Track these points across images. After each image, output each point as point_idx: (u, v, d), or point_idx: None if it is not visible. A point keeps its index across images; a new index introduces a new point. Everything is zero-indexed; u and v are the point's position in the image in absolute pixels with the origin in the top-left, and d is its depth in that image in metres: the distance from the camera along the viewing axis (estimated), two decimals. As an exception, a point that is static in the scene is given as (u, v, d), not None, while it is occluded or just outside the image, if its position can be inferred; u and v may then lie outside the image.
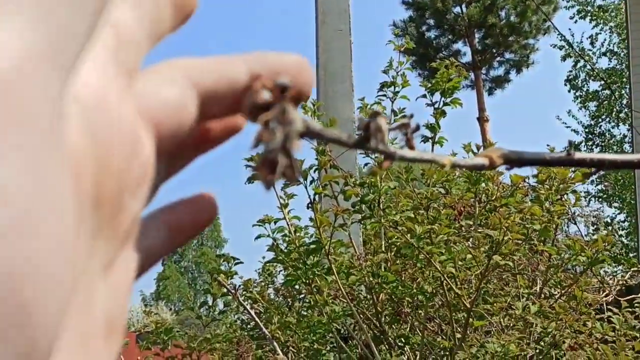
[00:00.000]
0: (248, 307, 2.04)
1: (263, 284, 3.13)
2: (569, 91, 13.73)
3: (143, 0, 0.25)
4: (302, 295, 2.64)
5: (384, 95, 2.58)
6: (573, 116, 13.69)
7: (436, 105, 2.54)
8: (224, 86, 0.26)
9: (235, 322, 3.88)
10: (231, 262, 2.47)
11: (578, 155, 0.48)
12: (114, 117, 0.21)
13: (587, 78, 13.54)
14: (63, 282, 0.16)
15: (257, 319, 2.01)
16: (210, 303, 2.70)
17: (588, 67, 13.27)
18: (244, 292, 2.57)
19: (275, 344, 1.53)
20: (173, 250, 0.30)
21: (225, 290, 2.34)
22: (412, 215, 1.95)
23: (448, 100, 2.51)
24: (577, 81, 13.74)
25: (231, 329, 3.12)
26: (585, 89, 13.62)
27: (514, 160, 0.47)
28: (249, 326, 3.25)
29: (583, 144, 13.59)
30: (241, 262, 2.40)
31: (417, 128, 0.39)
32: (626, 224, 12.54)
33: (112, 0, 0.22)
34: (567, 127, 13.63)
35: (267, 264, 3.48)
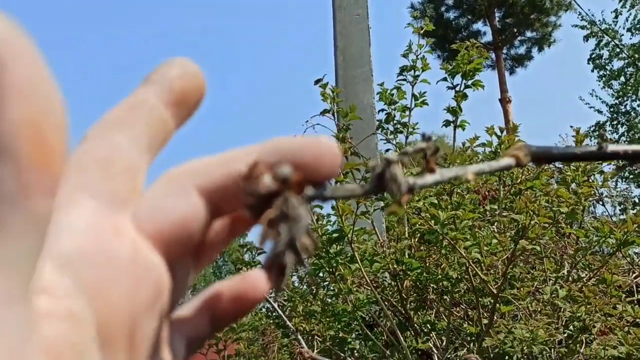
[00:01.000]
0: (276, 306, 2.04)
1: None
2: (592, 70, 13.44)
3: (136, 120, 0.26)
4: (327, 283, 2.63)
5: (404, 80, 2.54)
6: (596, 96, 13.42)
7: (457, 88, 2.49)
8: (234, 186, 0.27)
9: (261, 311, 3.90)
10: (254, 251, 2.47)
11: (611, 147, 0.45)
12: (109, 254, 0.23)
13: (611, 56, 13.23)
14: None
15: (280, 311, 2.00)
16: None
17: (612, 44, 12.97)
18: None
19: (299, 336, 1.52)
20: (214, 334, 0.31)
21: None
22: (436, 201, 1.92)
23: (469, 82, 2.47)
24: (600, 60, 13.44)
25: (256, 317, 3.14)
26: (609, 68, 13.32)
27: (542, 156, 0.45)
28: (274, 314, 3.26)
29: (608, 123, 13.32)
30: (264, 252, 2.39)
31: (436, 150, 0.37)
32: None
33: (107, 128, 0.25)
34: (591, 107, 13.36)
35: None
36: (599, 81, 13.33)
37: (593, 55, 13.49)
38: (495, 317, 1.93)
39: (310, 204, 0.26)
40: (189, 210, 0.26)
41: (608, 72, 13.30)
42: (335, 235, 2.14)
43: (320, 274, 2.46)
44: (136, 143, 0.26)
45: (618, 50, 12.85)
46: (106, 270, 0.23)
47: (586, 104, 13.47)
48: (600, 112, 13.38)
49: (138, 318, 0.24)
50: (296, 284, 2.99)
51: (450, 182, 0.41)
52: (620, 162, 0.51)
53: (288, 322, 1.81)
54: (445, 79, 2.51)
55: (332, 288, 2.39)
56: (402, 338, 2.10)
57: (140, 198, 0.26)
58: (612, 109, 13.40)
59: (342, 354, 2.10)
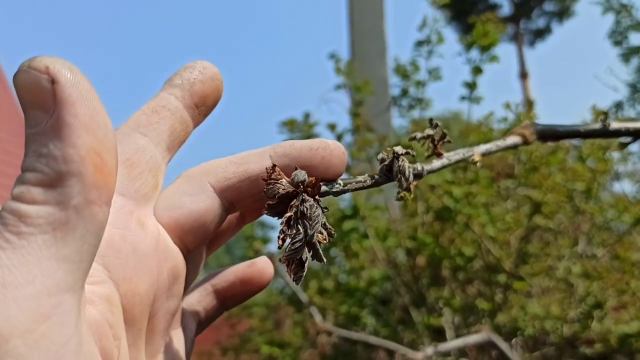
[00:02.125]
0: (289, 279, 2.05)
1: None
2: (614, 45, 13.15)
3: (159, 123, 0.29)
4: (339, 259, 2.64)
5: (419, 54, 2.51)
6: (614, 74, 13.14)
7: (473, 63, 2.45)
8: (248, 185, 0.30)
9: (274, 287, 3.93)
10: (266, 228, 2.48)
11: (614, 125, 0.45)
12: (135, 245, 0.27)
13: (626, 31, 12.91)
14: None
15: (294, 284, 2.02)
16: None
17: (629, 19, 12.66)
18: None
19: (313, 308, 1.53)
20: (223, 313, 0.35)
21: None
22: (450, 178, 1.91)
23: (485, 57, 2.42)
24: (619, 36, 13.13)
25: (269, 294, 3.17)
26: (626, 44, 13.02)
27: (548, 135, 0.45)
28: (286, 291, 3.29)
29: (626, 101, 13.07)
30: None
31: (444, 136, 0.37)
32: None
33: (132, 130, 0.28)
34: (609, 85, 13.08)
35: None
36: (619, 58, 13.04)
37: (611, 32, 13.18)
38: (508, 294, 1.93)
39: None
40: (206, 207, 0.29)
41: (626, 48, 13.01)
42: (348, 212, 2.14)
43: (334, 252, 2.46)
44: (158, 144, 0.29)
45: (636, 23, 12.56)
46: (132, 259, 0.26)
47: (603, 82, 13.21)
48: (617, 90, 13.11)
49: (157, 301, 0.28)
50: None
51: (459, 162, 0.41)
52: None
53: (300, 295, 1.82)
54: (460, 54, 2.47)
55: (345, 265, 2.40)
56: (415, 314, 2.11)
57: (161, 194, 0.30)
58: (630, 86, 13.13)
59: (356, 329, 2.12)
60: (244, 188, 0.30)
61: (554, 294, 1.84)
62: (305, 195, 0.26)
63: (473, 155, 0.34)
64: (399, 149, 0.29)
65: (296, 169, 0.27)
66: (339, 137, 2.13)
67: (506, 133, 1.52)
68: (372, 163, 2.27)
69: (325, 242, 0.26)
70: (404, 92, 2.63)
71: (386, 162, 0.30)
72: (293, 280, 0.26)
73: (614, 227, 2.27)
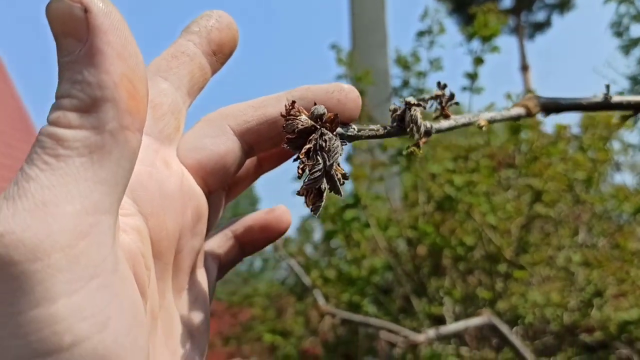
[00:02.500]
0: (293, 263, 2.06)
1: (301, 241, 3.17)
2: (616, 36, 13.10)
3: (179, 68, 0.30)
4: (341, 251, 2.65)
5: (420, 45, 2.51)
6: (613, 66, 13.09)
7: (474, 54, 2.46)
8: (267, 128, 0.31)
9: (275, 280, 3.95)
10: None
11: (615, 98, 0.46)
12: (162, 184, 0.28)
13: (627, 22, 12.86)
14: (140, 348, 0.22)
15: (296, 267, 2.03)
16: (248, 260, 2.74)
17: (632, 9, 12.61)
18: (284, 249, 2.60)
19: (317, 292, 1.55)
20: (243, 258, 0.36)
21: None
22: (451, 167, 1.91)
23: (486, 47, 2.43)
24: (620, 27, 13.07)
25: (271, 286, 3.18)
26: (627, 36, 12.97)
27: (551, 107, 0.45)
28: (288, 281, 3.30)
29: (627, 93, 13.04)
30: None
31: (452, 97, 0.38)
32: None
33: (154, 75, 0.29)
34: (608, 78, 13.05)
35: (306, 221, 3.50)
36: (620, 50, 12.98)
37: (612, 23, 13.13)
38: (509, 283, 1.94)
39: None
40: (227, 149, 0.30)
41: (628, 39, 12.96)
42: (349, 202, 2.15)
43: (335, 242, 2.47)
44: (178, 89, 0.30)
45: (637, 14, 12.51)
46: (158, 196, 0.27)
47: (603, 74, 13.17)
48: (616, 82, 13.07)
49: (182, 238, 0.29)
50: (309, 252, 3.02)
51: (465, 126, 0.42)
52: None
53: (303, 278, 1.83)
54: (462, 44, 2.47)
55: (346, 255, 2.41)
56: (415, 303, 2.13)
57: (183, 137, 0.31)
58: (631, 78, 13.09)
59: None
60: (262, 131, 0.31)
61: (555, 282, 1.85)
62: (324, 130, 0.26)
63: (479, 119, 0.35)
64: (411, 99, 0.29)
65: (315, 104, 0.28)
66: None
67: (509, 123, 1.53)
68: (373, 153, 2.28)
69: (343, 172, 0.26)
70: (405, 83, 2.63)
71: (398, 112, 0.30)
72: (311, 211, 0.26)
73: (614, 216, 2.28)
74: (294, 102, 0.27)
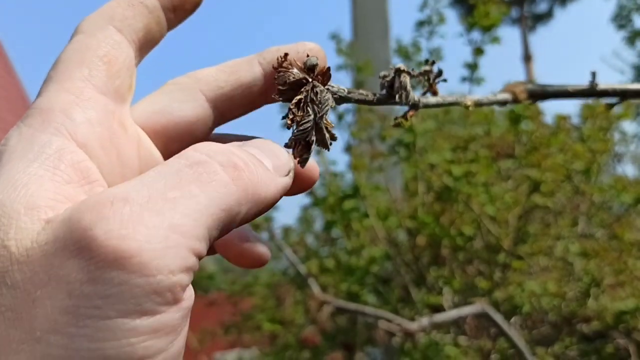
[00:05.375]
0: (289, 252, 2.07)
1: (302, 231, 3.17)
2: (619, 28, 12.98)
3: (135, 19, 0.28)
4: (341, 241, 2.66)
5: (420, 35, 2.51)
6: (618, 56, 12.99)
7: (475, 44, 2.45)
8: (240, 94, 0.29)
9: (276, 269, 3.96)
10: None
11: (601, 85, 0.46)
12: (120, 149, 0.26)
13: (630, 13, 12.74)
14: None
15: (293, 256, 2.04)
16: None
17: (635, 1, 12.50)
18: (284, 239, 2.62)
19: (312, 281, 1.55)
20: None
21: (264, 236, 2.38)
22: (450, 157, 1.92)
23: (487, 38, 2.42)
24: (623, 19, 12.95)
25: (272, 275, 3.19)
26: (630, 27, 12.85)
27: (538, 94, 0.46)
28: (288, 271, 3.32)
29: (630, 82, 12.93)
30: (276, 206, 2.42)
31: (440, 74, 0.38)
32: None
33: (106, 23, 0.27)
34: (613, 68, 12.95)
35: (307, 211, 3.51)
36: (624, 41, 12.86)
37: (615, 14, 13.01)
38: (507, 273, 1.95)
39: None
40: (197, 115, 0.29)
41: (631, 31, 12.85)
42: (349, 192, 2.15)
43: (335, 232, 2.48)
44: (132, 43, 0.28)
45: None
46: (119, 164, 0.26)
47: (607, 64, 13.08)
48: (622, 72, 12.99)
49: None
50: (310, 242, 3.03)
51: (451, 104, 0.42)
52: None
53: (299, 267, 1.84)
54: (462, 35, 2.47)
55: (346, 245, 2.42)
56: (414, 293, 2.14)
57: (147, 98, 0.29)
58: (635, 69, 13.00)
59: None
60: (236, 97, 0.29)
61: (552, 272, 1.86)
62: (316, 82, 0.26)
63: (466, 100, 0.35)
64: (401, 66, 0.29)
65: (308, 56, 0.27)
66: (340, 117, 2.14)
67: (510, 114, 1.53)
68: (373, 143, 2.29)
69: (332, 126, 0.26)
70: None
71: (388, 78, 0.30)
72: (298, 163, 0.26)
73: (613, 207, 2.29)
74: (286, 54, 0.27)
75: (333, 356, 2.03)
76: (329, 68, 0.27)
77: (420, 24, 2.46)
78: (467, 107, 0.34)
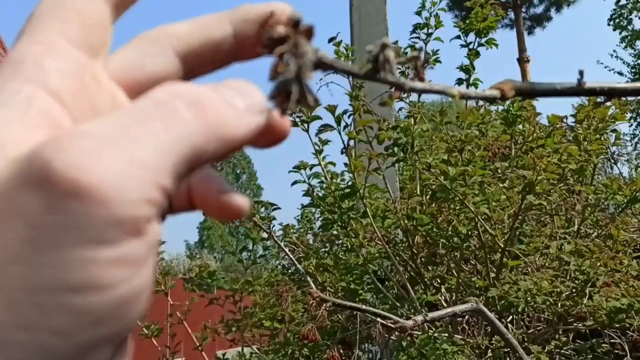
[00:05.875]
0: (287, 250, 2.10)
1: (302, 229, 3.21)
2: (614, 30, 13.04)
3: None
4: (340, 241, 2.69)
5: (417, 38, 2.54)
6: (617, 57, 13.04)
7: (470, 46, 2.49)
8: (210, 50, 0.29)
9: (277, 268, 3.99)
10: (269, 207, 2.53)
11: (589, 84, 0.48)
12: (93, 102, 0.27)
13: (630, 14, 12.78)
14: None
15: (290, 255, 2.07)
16: (250, 247, 2.78)
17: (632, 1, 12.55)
18: (284, 238, 2.64)
19: (308, 278, 1.58)
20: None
21: (264, 235, 2.41)
22: (446, 158, 1.95)
23: (483, 40, 2.46)
24: (621, 19, 13.00)
25: (273, 274, 3.23)
26: (630, 28, 12.90)
27: (526, 91, 0.48)
28: (289, 271, 3.35)
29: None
30: (278, 208, 2.46)
31: (427, 60, 0.40)
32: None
33: None
34: (610, 70, 13.01)
35: (306, 210, 3.54)
36: (621, 43, 12.92)
37: (613, 16, 13.07)
38: (503, 272, 1.99)
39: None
40: (167, 70, 0.29)
41: (629, 32, 12.90)
42: (347, 191, 2.19)
43: (334, 231, 2.51)
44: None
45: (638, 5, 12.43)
46: (91, 115, 0.26)
47: (605, 67, 13.12)
48: (621, 73, 13.04)
49: None
50: (311, 242, 3.06)
51: (437, 93, 0.43)
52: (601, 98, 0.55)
53: (298, 264, 1.88)
54: (458, 37, 2.51)
55: (344, 243, 2.45)
56: (412, 291, 2.17)
57: (117, 52, 0.29)
58: (633, 70, 13.06)
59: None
60: (206, 54, 0.29)
61: (547, 271, 1.89)
62: (299, 37, 0.27)
63: (453, 90, 0.37)
64: (386, 40, 0.30)
65: (295, 12, 0.28)
66: (338, 119, 2.17)
67: (505, 115, 1.56)
68: (371, 144, 2.32)
69: (312, 78, 0.27)
70: (403, 76, 2.66)
71: (373, 53, 0.30)
72: (280, 112, 0.27)
73: (607, 207, 2.32)
74: (272, 12, 0.28)
75: (332, 353, 2.06)
76: (312, 26, 0.28)
77: (417, 27, 2.50)
78: (453, 96, 0.35)
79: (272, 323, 2.34)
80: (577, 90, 0.48)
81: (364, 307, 1.17)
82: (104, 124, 0.21)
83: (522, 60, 13.55)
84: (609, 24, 13.03)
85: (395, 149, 2.04)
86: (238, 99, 0.24)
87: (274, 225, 2.39)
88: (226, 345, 3.07)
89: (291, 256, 1.98)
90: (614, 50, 13.11)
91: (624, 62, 13.02)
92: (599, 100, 0.51)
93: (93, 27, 0.27)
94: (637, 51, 12.95)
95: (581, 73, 0.49)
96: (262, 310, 2.47)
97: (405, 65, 0.37)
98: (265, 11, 0.29)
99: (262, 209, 2.58)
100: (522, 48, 13.84)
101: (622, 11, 12.76)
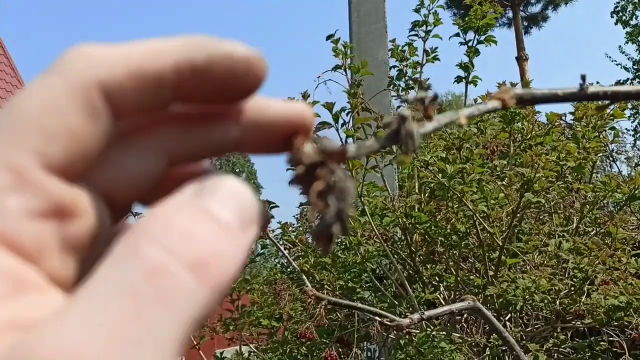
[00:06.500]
0: (282, 248, 2.10)
1: (301, 228, 3.20)
2: (616, 24, 12.97)
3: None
4: (339, 240, 2.69)
5: (416, 35, 2.54)
6: (623, 52, 12.94)
7: (470, 44, 2.49)
8: (150, 88, 0.22)
9: (276, 267, 3.99)
10: (267, 206, 2.52)
11: (591, 89, 0.47)
12: None
13: (635, 8, 12.71)
14: None
15: (286, 252, 2.06)
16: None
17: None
18: (283, 237, 2.64)
19: (304, 277, 1.58)
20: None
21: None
22: (444, 156, 1.95)
23: (482, 38, 2.46)
24: (625, 13, 12.92)
25: (272, 272, 3.23)
26: (633, 23, 12.83)
27: (527, 99, 0.47)
28: (288, 269, 3.35)
29: (629, 81, 12.90)
30: (277, 206, 2.45)
31: (435, 98, 0.39)
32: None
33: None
34: (618, 64, 12.88)
35: (305, 209, 3.53)
36: (626, 38, 12.82)
37: (617, 8, 12.96)
38: (501, 270, 1.98)
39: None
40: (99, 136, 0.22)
41: (633, 26, 12.81)
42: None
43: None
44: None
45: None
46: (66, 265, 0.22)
47: (613, 60, 12.99)
48: (627, 69, 12.92)
49: None
50: (310, 240, 3.06)
51: (447, 125, 0.43)
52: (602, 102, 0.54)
53: (293, 262, 1.87)
54: (457, 35, 2.50)
55: (343, 241, 2.45)
56: (410, 290, 2.16)
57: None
58: (636, 65, 12.97)
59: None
60: (145, 92, 0.22)
61: (545, 269, 1.89)
62: (333, 165, 0.24)
63: (459, 117, 0.36)
64: (405, 112, 0.28)
65: (316, 135, 0.25)
66: (336, 116, 2.16)
67: (504, 113, 1.56)
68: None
69: (354, 215, 0.26)
70: (401, 74, 2.66)
71: (393, 127, 0.28)
72: (321, 252, 0.26)
73: (606, 205, 2.32)
74: (296, 133, 0.25)
75: (330, 352, 2.06)
76: (344, 148, 0.25)
77: (416, 24, 2.49)
78: (461, 125, 0.35)
79: (270, 322, 2.34)
80: (580, 95, 0.47)
81: (360, 305, 1.16)
82: (92, 328, 0.16)
83: (521, 59, 13.55)
84: (612, 16, 12.88)
85: (394, 147, 2.03)
86: (231, 216, 0.20)
87: (271, 224, 2.39)
88: (224, 344, 3.07)
89: (286, 254, 1.98)
90: (620, 46, 12.96)
91: (629, 58, 12.89)
92: (601, 104, 0.50)
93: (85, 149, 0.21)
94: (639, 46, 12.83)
95: (583, 78, 0.48)
96: (260, 308, 2.47)
97: (412, 105, 0.36)
98: (284, 117, 0.25)
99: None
100: (520, 46, 13.84)
101: (626, 4, 12.63)
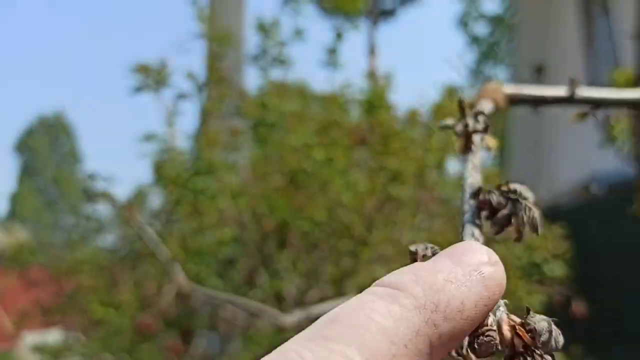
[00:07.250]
0: (136, 229, 1.89)
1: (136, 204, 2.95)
2: (460, 29, 13.89)
3: None
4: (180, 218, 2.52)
5: (284, 13, 2.44)
6: (458, 60, 13.91)
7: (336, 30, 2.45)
8: None
9: (102, 247, 3.66)
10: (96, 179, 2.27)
11: (580, 93, 0.44)
12: None
13: (477, 20, 13.70)
14: None
15: (152, 237, 1.85)
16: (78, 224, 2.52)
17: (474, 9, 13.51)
18: (117, 214, 2.41)
19: (176, 265, 1.42)
20: None
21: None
22: (311, 141, 1.88)
23: (347, 24, 2.43)
24: (465, 23, 13.86)
25: (98, 253, 2.93)
26: (471, 33, 13.84)
27: (517, 100, 0.45)
28: (121, 251, 3.06)
29: (464, 87, 13.92)
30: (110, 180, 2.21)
31: (486, 129, 0.34)
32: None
33: None
34: (452, 70, 13.80)
35: (142, 187, 3.28)
36: (470, 44, 13.81)
37: (460, 18, 13.91)
38: (357, 261, 1.97)
39: None
40: None
41: (471, 36, 13.85)
42: (200, 168, 2.03)
43: (179, 210, 2.33)
44: None
45: (479, 15, 13.43)
46: None
47: (449, 65, 13.87)
48: (459, 75, 13.92)
49: None
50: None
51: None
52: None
53: (161, 250, 1.68)
54: (323, 18, 2.45)
55: (188, 224, 2.29)
56: (260, 277, 2.09)
57: None
58: (471, 73, 14.04)
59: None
60: None
61: (400, 261, 1.91)
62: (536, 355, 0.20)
63: (487, 141, 0.34)
64: (520, 189, 0.25)
65: (528, 313, 0.20)
66: (200, 89, 2.00)
67: (366, 104, 1.51)
68: (227, 119, 2.18)
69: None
70: (264, 52, 2.55)
71: (506, 212, 0.26)
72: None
73: (453, 201, 2.42)
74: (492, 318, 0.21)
75: (172, 343, 1.90)
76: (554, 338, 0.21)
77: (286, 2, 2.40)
78: (489, 149, 0.33)
79: (103, 309, 2.10)
80: (568, 99, 0.44)
81: (239, 299, 1.05)
82: None
83: (371, 51, 14.06)
84: (456, 26, 13.76)
85: (261, 128, 1.93)
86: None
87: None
88: (42, 326, 2.77)
89: (154, 239, 1.77)
90: (457, 53, 13.92)
91: (465, 66, 13.89)
92: (581, 112, 0.49)
93: None
94: (476, 55, 13.84)
95: (572, 83, 0.44)
96: (90, 293, 2.22)
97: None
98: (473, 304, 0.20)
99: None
100: (371, 39, 14.35)
101: (467, 15, 13.55)
